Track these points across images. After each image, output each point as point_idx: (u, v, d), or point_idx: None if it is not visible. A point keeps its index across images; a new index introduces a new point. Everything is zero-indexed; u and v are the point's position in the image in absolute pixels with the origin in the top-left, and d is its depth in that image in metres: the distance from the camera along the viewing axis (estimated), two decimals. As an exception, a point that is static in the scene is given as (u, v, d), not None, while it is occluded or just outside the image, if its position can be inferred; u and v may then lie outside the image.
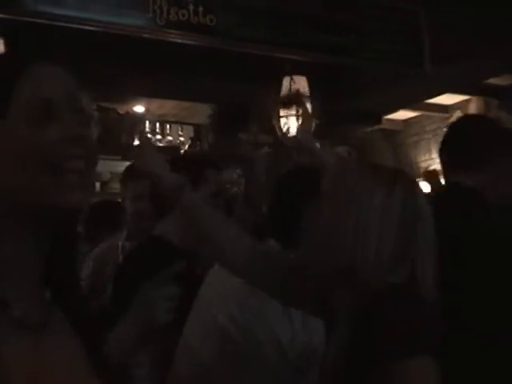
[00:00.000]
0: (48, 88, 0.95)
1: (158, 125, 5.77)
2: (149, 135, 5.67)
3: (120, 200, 3.50)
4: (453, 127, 2.42)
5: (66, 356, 0.96)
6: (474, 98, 6.44)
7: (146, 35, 3.86)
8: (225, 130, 5.44)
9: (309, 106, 4.83)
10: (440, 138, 2.38)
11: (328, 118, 4.96)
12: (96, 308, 2.86)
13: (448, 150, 2.30)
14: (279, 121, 4.84)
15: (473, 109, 6.45)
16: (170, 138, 5.79)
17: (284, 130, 4.82)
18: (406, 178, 1.48)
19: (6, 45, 3.95)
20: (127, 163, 3.62)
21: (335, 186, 1.46)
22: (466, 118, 2.81)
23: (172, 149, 5.54)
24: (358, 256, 1.35)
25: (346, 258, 1.36)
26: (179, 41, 3.94)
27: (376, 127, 6.20)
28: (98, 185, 6.07)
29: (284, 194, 2.02)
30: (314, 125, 4.83)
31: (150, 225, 2.62)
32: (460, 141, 2.27)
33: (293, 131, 4.76)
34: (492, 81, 5.75)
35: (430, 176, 5.18)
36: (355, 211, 1.37)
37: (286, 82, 4.86)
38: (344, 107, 5.46)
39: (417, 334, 1.30)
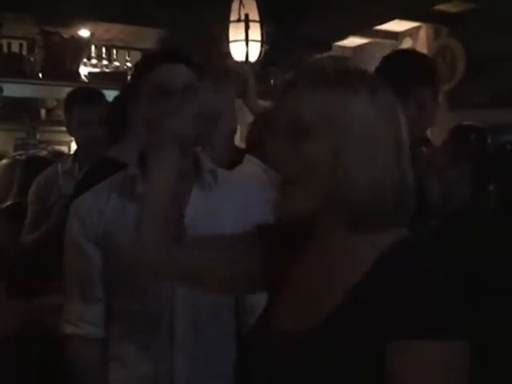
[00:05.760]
0: None
1: (104, 50, 5.61)
2: (95, 60, 5.51)
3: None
4: None
5: None
6: (424, 25, 6.43)
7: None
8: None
9: (259, 30, 4.75)
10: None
11: (279, 44, 4.90)
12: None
13: None
14: (228, 46, 4.75)
15: (422, 36, 6.45)
16: (117, 63, 5.63)
17: (233, 55, 4.74)
18: None
19: None
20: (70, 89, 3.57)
21: None
22: None
23: (119, 74, 5.41)
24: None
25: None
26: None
27: (326, 54, 6.14)
28: (43, 112, 5.93)
29: None
30: (264, 50, 4.76)
31: (102, 150, 2.69)
32: None
33: (241, 56, 4.69)
34: (442, 7, 5.73)
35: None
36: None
37: (235, 6, 4.74)
38: (295, 33, 5.38)
39: None
